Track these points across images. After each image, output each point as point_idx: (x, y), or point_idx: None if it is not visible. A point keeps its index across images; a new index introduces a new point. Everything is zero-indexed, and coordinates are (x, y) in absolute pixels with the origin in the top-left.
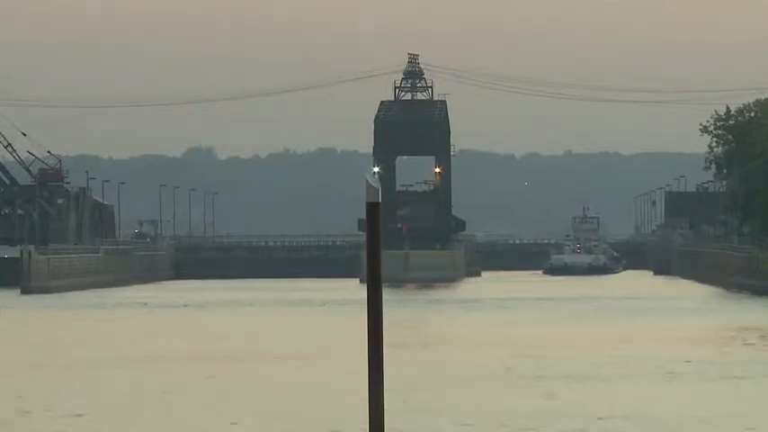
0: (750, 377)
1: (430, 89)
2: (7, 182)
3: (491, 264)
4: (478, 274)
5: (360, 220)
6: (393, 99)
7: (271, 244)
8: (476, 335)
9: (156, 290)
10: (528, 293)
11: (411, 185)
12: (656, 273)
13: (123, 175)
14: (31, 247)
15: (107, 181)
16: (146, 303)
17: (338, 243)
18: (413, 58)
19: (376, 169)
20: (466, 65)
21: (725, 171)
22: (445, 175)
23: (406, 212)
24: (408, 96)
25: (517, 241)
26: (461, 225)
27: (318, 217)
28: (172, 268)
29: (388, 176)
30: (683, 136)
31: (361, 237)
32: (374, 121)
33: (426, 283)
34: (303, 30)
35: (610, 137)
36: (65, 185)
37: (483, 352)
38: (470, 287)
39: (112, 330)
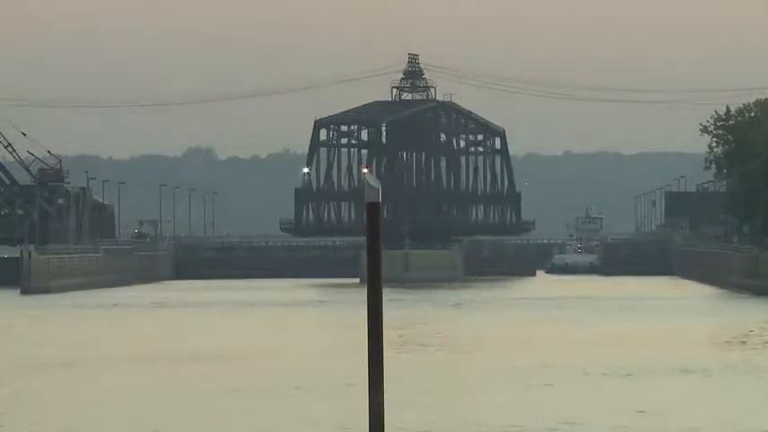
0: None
1: (433, 89)
2: (7, 182)
3: (491, 264)
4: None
5: (281, 220)
6: (390, 99)
7: (271, 244)
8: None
9: (154, 290)
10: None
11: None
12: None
13: (123, 175)
14: (31, 247)
15: (107, 181)
16: (115, 304)
17: (338, 243)
18: (413, 58)
19: (305, 170)
20: (466, 65)
21: (725, 171)
22: (509, 178)
23: None
24: (409, 97)
25: (517, 241)
26: (531, 225)
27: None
28: (172, 268)
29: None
30: (683, 136)
31: (283, 238)
32: (314, 122)
33: (426, 282)
34: (303, 30)
35: (610, 137)
36: (65, 185)
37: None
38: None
39: (106, 330)
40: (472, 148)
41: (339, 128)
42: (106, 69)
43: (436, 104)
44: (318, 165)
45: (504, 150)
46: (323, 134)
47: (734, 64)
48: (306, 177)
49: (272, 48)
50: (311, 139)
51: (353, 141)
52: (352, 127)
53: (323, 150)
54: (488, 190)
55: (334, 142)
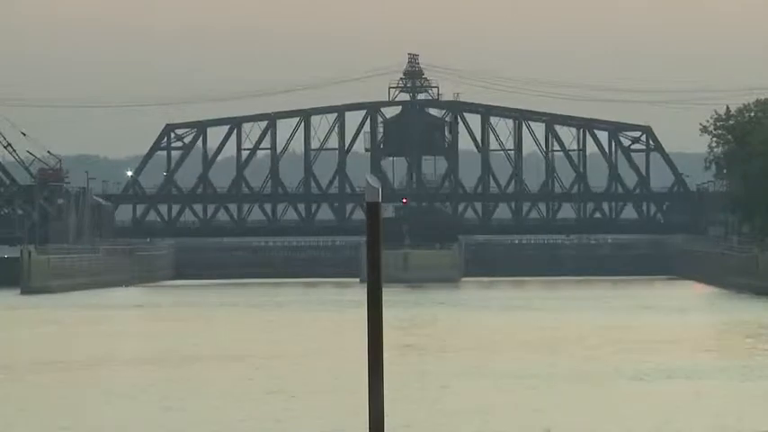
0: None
1: (436, 89)
2: (7, 182)
3: (490, 264)
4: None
5: None
6: (386, 100)
7: (271, 244)
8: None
9: (154, 290)
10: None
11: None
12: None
13: (123, 175)
14: (31, 247)
15: (107, 181)
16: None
17: (338, 243)
18: (413, 58)
19: (129, 173)
20: (466, 65)
21: (725, 171)
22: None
23: None
24: (409, 97)
25: (516, 241)
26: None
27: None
28: (172, 268)
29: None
30: (683, 136)
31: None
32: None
33: (426, 282)
34: (302, 30)
35: None
36: (65, 185)
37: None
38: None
39: (106, 331)
40: (633, 145)
41: (183, 132)
42: (106, 69)
43: (447, 104)
44: (171, 168)
45: (658, 146)
46: (171, 137)
47: (734, 64)
48: (130, 179)
49: (271, 48)
50: (154, 142)
51: (182, 144)
52: (196, 130)
53: (161, 154)
54: (634, 187)
55: (177, 145)
